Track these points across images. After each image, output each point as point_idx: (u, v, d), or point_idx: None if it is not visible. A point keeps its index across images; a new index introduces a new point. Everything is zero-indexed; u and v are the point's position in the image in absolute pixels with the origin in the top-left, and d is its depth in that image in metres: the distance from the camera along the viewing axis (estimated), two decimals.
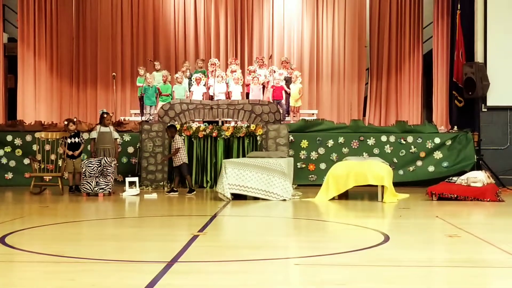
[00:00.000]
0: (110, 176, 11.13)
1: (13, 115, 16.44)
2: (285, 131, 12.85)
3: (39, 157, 12.05)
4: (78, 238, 6.66)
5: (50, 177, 12.22)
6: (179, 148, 11.47)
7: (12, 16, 17.41)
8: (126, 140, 13.44)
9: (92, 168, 11.07)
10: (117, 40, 17.84)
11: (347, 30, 17.86)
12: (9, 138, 13.48)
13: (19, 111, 16.52)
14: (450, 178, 11.04)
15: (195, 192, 11.48)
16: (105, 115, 12.03)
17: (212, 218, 8.10)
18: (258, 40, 17.96)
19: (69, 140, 11.71)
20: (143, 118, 14.72)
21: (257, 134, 12.82)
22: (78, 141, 11.79)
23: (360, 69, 17.89)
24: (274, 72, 15.68)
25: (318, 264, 5.06)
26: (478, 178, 10.52)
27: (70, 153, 11.64)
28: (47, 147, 12.86)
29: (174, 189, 11.49)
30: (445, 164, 13.30)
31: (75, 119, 12.38)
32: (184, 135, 12.70)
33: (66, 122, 12.00)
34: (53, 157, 12.64)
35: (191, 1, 18.00)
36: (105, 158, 11.33)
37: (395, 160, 13.23)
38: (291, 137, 13.20)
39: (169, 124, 12.09)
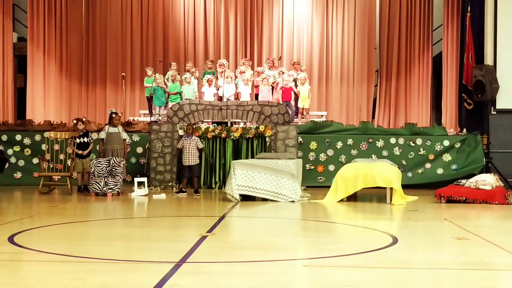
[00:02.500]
0: (119, 176, 11.16)
1: (23, 115, 16.50)
2: (294, 133, 12.84)
3: (48, 156, 12.08)
4: (86, 238, 6.68)
5: (59, 177, 12.29)
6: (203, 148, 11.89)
7: (22, 16, 17.49)
8: (135, 140, 13.48)
9: (101, 168, 11.10)
10: (126, 40, 17.87)
11: (356, 32, 17.81)
12: (18, 137, 13.54)
13: (29, 110, 16.57)
14: (459, 180, 11.01)
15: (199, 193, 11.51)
16: (114, 115, 12.04)
17: (221, 219, 8.11)
18: (267, 41, 17.94)
19: (78, 140, 11.73)
20: (152, 119, 14.73)
21: (266, 135, 12.82)
22: (87, 141, 11.81)
23: (370, 71, 17.83)
24: (283, 73, 15.67)
25: (327, 266, 5.06)
26: (487, 181, 10.49)
27: (79, 152, 11.67)
28: (56, 147, 12.90)
29: (183, 189, 11.50)
30: (454, 166, 13.26)
31: (84, 119, 12.42)
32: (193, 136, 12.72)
33: (75, 122, 12.03)
34: (62, 156, 12.68)
35: (201, 1, 18.01)
36: (114, 158, 11.37)
37: (404, 162, 13.20)
38: (300, 139, 13.19)
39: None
